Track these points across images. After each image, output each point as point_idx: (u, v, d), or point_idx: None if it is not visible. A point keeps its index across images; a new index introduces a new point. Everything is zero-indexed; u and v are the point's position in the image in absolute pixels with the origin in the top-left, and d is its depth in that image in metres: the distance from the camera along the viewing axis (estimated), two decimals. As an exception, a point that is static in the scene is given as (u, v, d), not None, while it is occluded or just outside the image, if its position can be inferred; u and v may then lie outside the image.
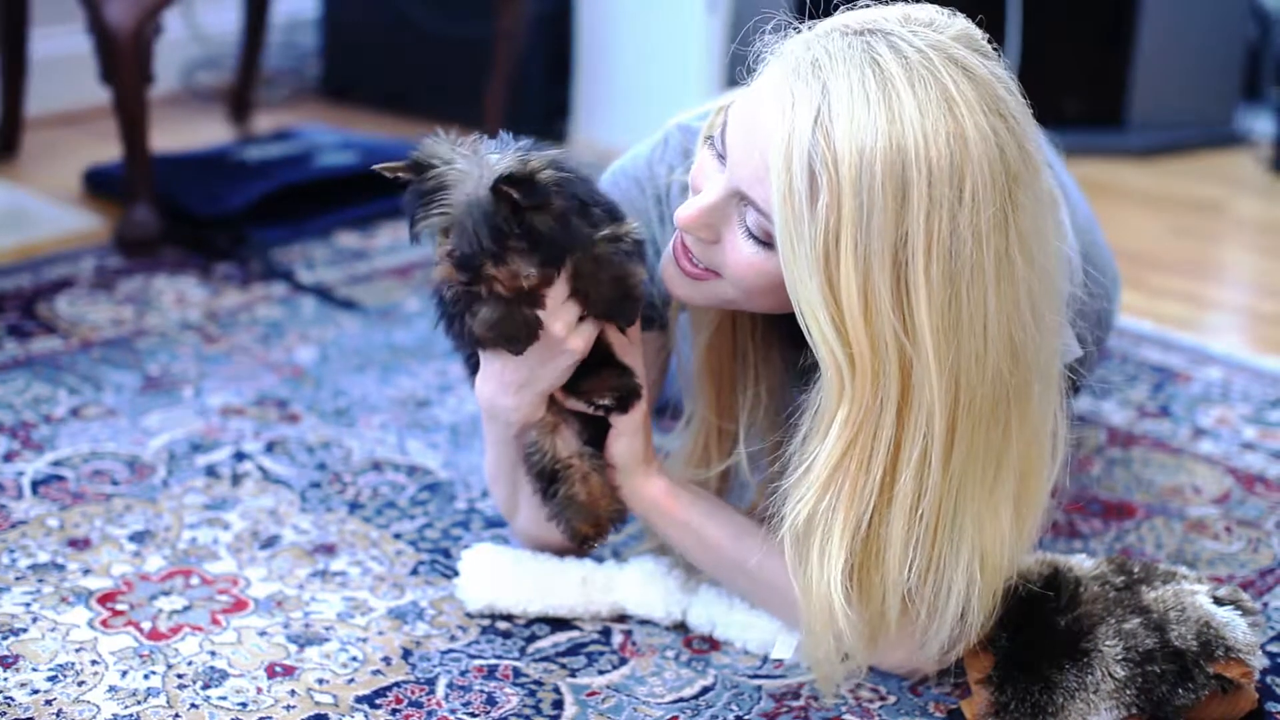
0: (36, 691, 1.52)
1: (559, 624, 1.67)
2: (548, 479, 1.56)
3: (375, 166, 1.45)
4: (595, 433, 1.58)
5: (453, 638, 1.64)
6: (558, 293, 1.46)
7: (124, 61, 2.59)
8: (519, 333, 1.45)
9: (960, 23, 1.38)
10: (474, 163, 1.41)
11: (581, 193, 1.47)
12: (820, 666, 1.46)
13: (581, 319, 1.49)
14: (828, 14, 1.40)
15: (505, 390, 1.53)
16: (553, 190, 1.41)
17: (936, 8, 1.39)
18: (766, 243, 1.38)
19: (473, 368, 1.58)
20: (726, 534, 1.58)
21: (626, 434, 1.57)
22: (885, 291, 1.30)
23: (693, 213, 1.41)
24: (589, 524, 1.57)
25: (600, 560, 1.70)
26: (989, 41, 1.39)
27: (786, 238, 1.32)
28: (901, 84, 1.29)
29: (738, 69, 1.45)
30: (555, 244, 1.42)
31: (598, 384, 1.54)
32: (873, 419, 1.34)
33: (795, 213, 1.30)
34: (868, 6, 1.39)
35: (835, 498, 1.37)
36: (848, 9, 1.39)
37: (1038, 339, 1.36)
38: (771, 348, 1.61)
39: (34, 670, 1.55)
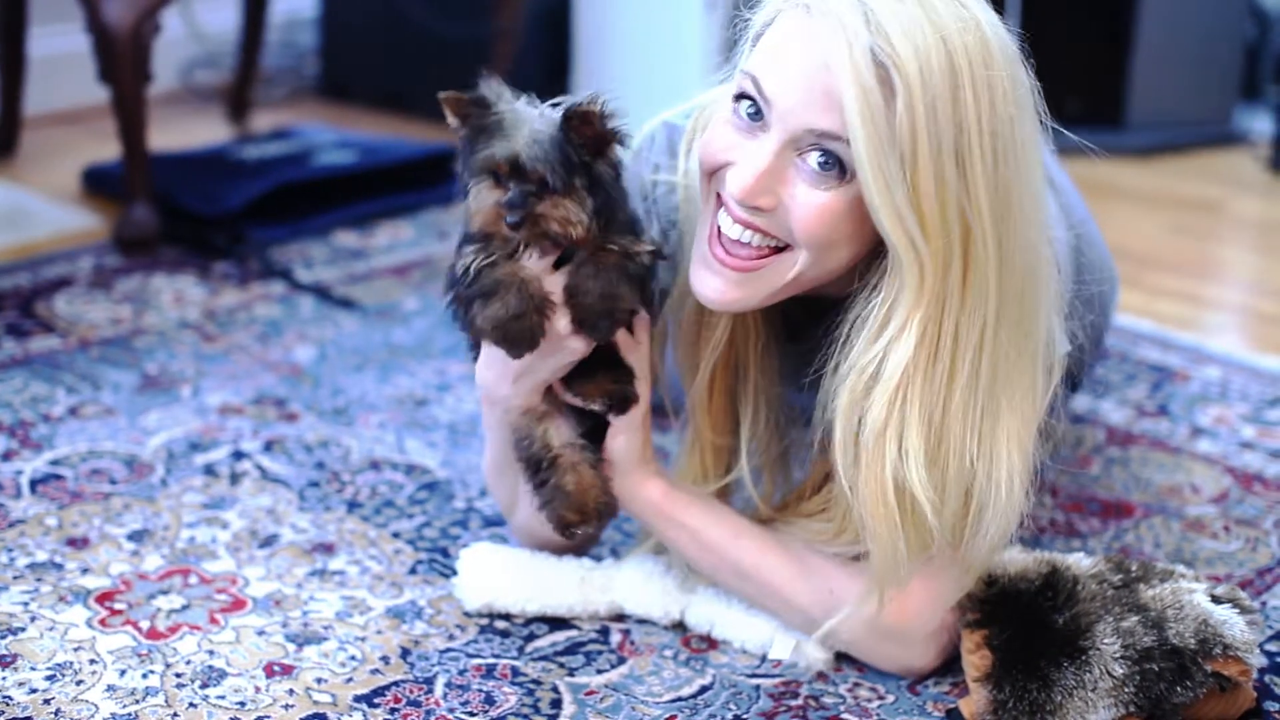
0: (35, 690, 1.52)
1: (557, 623, 1.67)
2: (536, 467, 1.56)
3: (441, 95, 1.43)
4: (594, 426, 1.58)
5: (451, 637, 1.64)
6: (558, 277, 1.46)
7: (122, 60, 2.59)
8: (522, 338, 1.44)
9: None
10: (533, 108, 1.43)
11: (626, 176, 1.49)
12: (889, 576, 1.46)
13: None
14: None
15: (504, 379, 1.53)
16: (619, 133, 1.43)
17: None
18: (838, 177, 1.38)
19: (474, 347, 1.57)
20: (724, 535, 1.58)
21: (624, 432, 1.56)
22: (954, 180, 1.34)
23: (750, 180, 1.39)
24: (575, 511, 1.55)
25: (598, 559, 1.70)
26: None
27: (872, 149, 1.33)
28: None
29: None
30: (608, 194, 1.43)
31: (592, 387, 1.54)
32: (939, 308, 1.38)
33: (876, 120, 1.32)
34: None
35: (910, 393, 1.40)
36: None
37: (1042, 212, 1.44)
38: (770, 356, 1.60)
39: (32, 669, 1.55)
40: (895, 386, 1.40)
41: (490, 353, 1.53)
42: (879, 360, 1.40)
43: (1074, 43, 3.50)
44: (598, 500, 1.57)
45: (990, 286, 1.39)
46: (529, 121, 1.40)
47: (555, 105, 1.43)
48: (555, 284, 1.46)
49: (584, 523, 1.56)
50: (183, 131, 3.34)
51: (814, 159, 1.38)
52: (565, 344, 1.48)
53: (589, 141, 1.41)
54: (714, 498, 1.63)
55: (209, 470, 1.96)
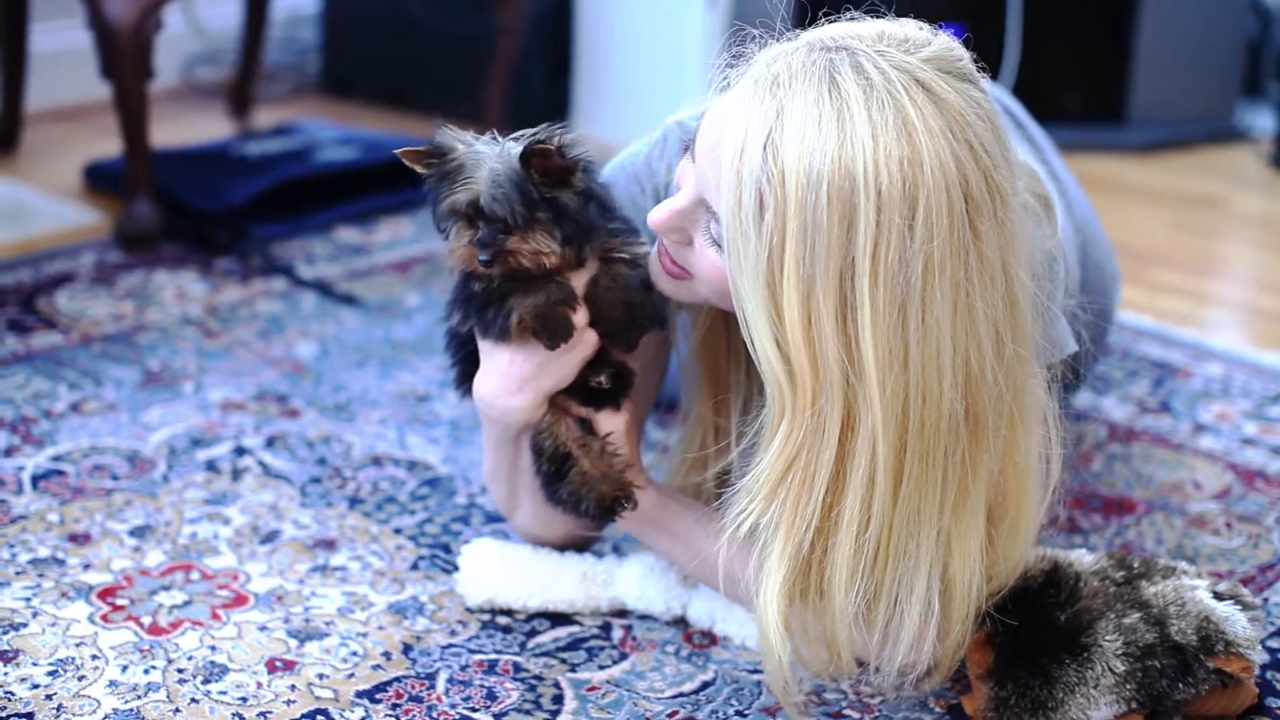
0: (37, 686, 1.52)
1: (559, 619, 1.67)
2: (560, 460, 1.55)
3: (396, 150, 1.46)
4: None
5: (453, 632, 1.64)
6: (575, 285, 1.48)
7: (124, 56, 2.59)
8: (559, 326, 1.46)
9: (940, 43, 1.34)
10: (493, 145, 1.45)
11: (601, 193, 1.50)
12: (772, 677, 1.42)
13: None
14: (821, 14, 1.39)
15: (508, 387, 1.52)
16: (579, 162, 1.45)
17: (917, 24, 1.36)
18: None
19: (462, 374, 1.58)
20: (715, 543, 1.57)
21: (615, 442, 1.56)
22: (828, 313, 1.28)
23: (663, 215, 1.42)
24: (612, 486, 1.54)
25: (600, 555, 1.71)
26: (976, 63, 1.35)
27: (733, 252, 1.32)
28: (857, 106, 1.27)
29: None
30: (576, 222, 1.45)
31: (593, 367, 1.54)
32: (815, 438, 1.33)
33: (741, 229, 1.30)
34: (852, 19, 1.37)
35: (778, 513, 1.35)
36: (830, 20, 1.37)
37: (998, 370, 1.33)
38: None
39: (34, 665, 1.55)
40: (764, 497, 1.36)
41: (492, 361, 1.52)
42: (756, 465, 1.36)
43: (1075, 39, 3.50)
44: (621, 481, 1.56)
45: (879, 444, 1.31)
46: (488, 162, 1.43)
47: (517, 139, 1.45)
48: (576, 288, 1.48)
49: (626, 496, 1.55)
50: (184, 128, 3.34)
51: (715, 223, 1.38)
52: (582, 338, 1.50)
53: (549, 175, 1.43)
54: (704, 505, 1.61)
55: (211, 466, 1.96)
